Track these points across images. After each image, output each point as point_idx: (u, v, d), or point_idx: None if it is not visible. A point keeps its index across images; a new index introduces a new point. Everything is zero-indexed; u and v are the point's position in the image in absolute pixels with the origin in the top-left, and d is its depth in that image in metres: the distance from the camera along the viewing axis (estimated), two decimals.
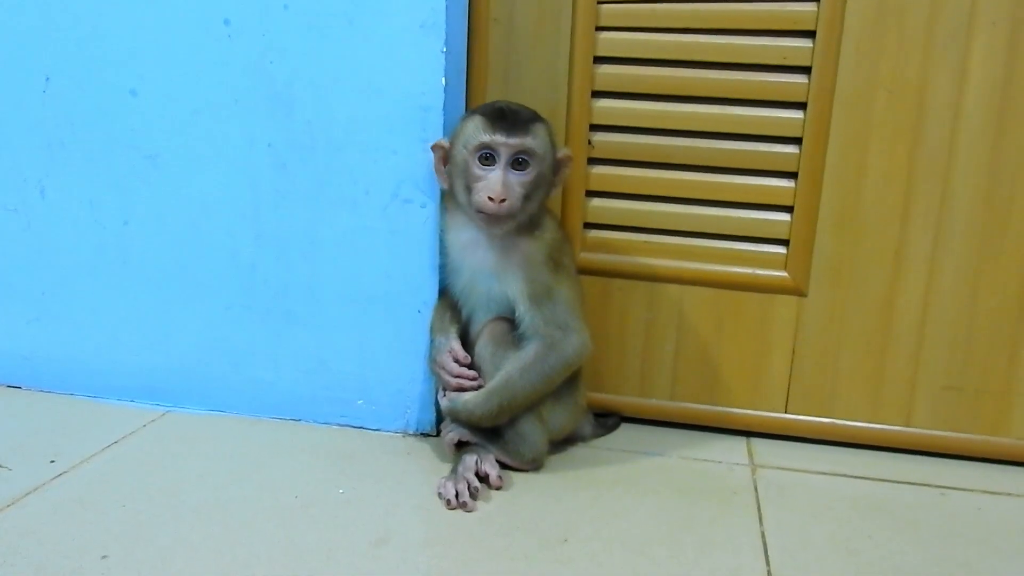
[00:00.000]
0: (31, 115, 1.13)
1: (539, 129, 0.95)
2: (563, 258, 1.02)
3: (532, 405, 0.99)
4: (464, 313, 1.04)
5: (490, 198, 0.92)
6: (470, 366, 1.01)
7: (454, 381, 1.00)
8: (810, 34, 1.04)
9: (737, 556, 0.85)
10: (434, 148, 1.00)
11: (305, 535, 0.86)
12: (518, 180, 0.94)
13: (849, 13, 1.02)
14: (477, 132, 0.94)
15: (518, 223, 0.97)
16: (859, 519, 0.94)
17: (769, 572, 0.83)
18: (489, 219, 0.94)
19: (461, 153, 0.95)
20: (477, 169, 0.94)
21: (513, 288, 0.98)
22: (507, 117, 0.94)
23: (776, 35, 1.05)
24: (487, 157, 0.94)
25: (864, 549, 0.88)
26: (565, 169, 1.00)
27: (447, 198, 1.04)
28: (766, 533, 0.90)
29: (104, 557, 0.80)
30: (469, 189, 0.95)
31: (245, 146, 1.09)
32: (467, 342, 1.03)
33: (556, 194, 1.07)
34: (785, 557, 0.85)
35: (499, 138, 0.93)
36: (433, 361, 1.04)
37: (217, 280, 1.13)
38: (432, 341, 1.05)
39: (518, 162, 0.94)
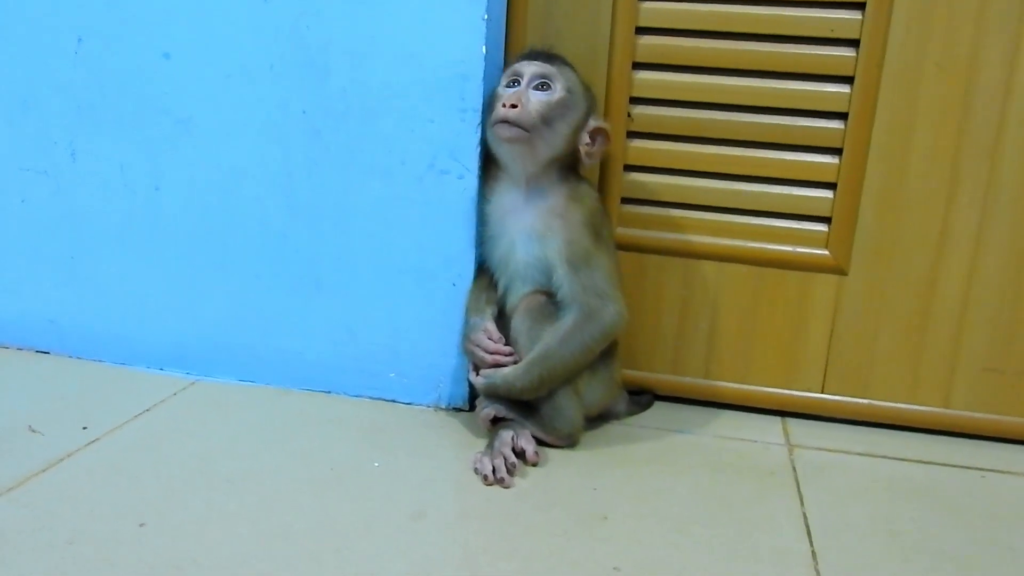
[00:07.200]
0: (62, 77, 1.11)
1: (565, 67, 0.99)
2: (603, 229, 1.01)
3: (571, 377, 0.98)
4: (501, 285, 1.02)
5: (504, 105, 0.94)
6: (505, 344, 1.00)
7: (490, 358, 0.99)
8: (860, 6, 1.01)
9: (780, 536, 0.84)
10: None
11: (341, 507, 0.85)
12: (536, 97, 0.95)
13: None
14: (509, 67, 0.99)
15: (542, 158, 0.97)
16: (900, 501, 0.93)
17: (813, 553, 0.82)
18: (501, 127, 0.95)
19: (496, 95, 0.99)
20: (501, 91, 0.97)
21: (552, 250, 0.97)
22: (536, 50, 1.00)
23: (825, 6, 1.02)
24: (513, 83, 0.97)
25: (907, 531, 0.87)
26: (602, 140, 1.00)
27: (489, 167, 1.03)
28: (807, 514, 0.89)
29: (141, 525, 0.80)
30: (492, 110, 0.97)
31: (278, 112, 1.07)
32: (503, 322, 1.02)
33: (592, 163, 1.04)
34: (828, 538, 0.84)
35: (523, 65, 0.98)
36: (467, 339, 1.02)
37: (247, 248, 1.12)
38: (467, 321, 1.04)
39: (539, 87, 0.96)
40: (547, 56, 0.99)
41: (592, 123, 0.99)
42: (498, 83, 1.00)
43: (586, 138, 0.99)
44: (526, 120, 0.94)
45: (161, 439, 0.98)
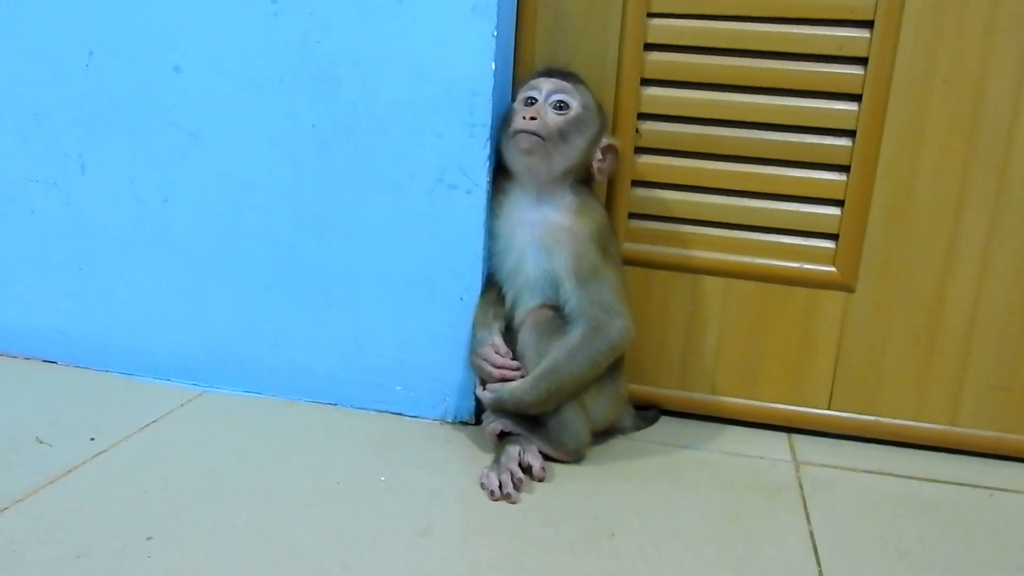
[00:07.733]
0: (73, 89, 1.12)
1: (580, 85, 1.01)
2: (610, 245, 1.02)
3: (578, 391, 0.98)
4: (510, 298, 1.03)
5: (523, 117, 0.96)
6: (512, 359, 1.01)
7: (497, 372, 0.99)
8: (868, 24, 1.02)
9: (787, 554, 0.84)
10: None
11: (348, 521, 0.85)
12: (554, 114, 0.98)
13: (909, 1, 1.00)
14: (526, 84, 1.01)
15: (557, 171, 0.98)
16: (907, 519, 0.93)
17: (820, 572, 0.81)
18: (521, 137, 0.96)
19: (513, 110, 1.01)
20: (519, 107, 0.99)
21: (560, 263, 0.98)
22: (552, 68, 1.03)
23: (833, 24, 1.03)
24: (530, 100, 0.99)
25: (915, 550, 0.86)
26: (612, 157, 1.01)
27: (499, 181, 1.04)
28: (814, 531, 0.89)
29: (149, 538, 0.80)
30: (511, 124, 0.98)
31: (288, 125, 1.07)
32: (510, 336, 1.02)
33: (602, 179, 1.05)
34: (835, 556, 0.84)
35: (540, 81, 1.00)
36: (474, 354, 1.03)
37: (255, 260, 1.12)
38: (474, 336, 1.04)
39: (557, 105, 0.98)
40: (564, 74, 1.00)
41: (604, 140, 1.00)
42: (512, 98, 1.02)
43: (598, 154, 1.00)
44: (544, 131, 0.96)
45: (168, 450, 0.98)
